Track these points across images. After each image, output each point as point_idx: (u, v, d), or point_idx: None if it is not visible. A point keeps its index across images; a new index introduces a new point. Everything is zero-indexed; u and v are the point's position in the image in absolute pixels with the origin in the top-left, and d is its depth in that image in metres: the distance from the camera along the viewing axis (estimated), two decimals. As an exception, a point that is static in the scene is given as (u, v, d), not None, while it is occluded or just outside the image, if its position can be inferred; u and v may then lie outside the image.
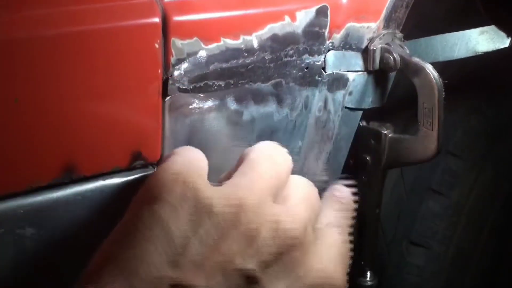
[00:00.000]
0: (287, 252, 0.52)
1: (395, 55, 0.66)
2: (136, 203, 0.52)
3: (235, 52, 0.58)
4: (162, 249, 0.48)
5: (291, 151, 0.62)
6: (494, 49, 0.77)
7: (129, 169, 0.57)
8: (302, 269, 0.53)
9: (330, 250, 0.57)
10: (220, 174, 0.59)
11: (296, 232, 0.53)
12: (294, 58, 0.62)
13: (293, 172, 0.60)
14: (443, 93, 0.64)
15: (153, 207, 0.50)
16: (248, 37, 0.58)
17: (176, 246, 0.48)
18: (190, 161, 0.54)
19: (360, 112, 0.70)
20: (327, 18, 0.63)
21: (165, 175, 0.52)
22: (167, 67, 0.55)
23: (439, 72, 0.64)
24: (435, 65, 0.65)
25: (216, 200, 0.51)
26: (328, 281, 0.54)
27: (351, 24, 0.65)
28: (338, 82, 0.66)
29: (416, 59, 0.65)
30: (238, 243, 0.50)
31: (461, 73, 0.82)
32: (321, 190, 0.70)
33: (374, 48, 0.66)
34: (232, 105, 0.60)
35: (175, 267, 0.48)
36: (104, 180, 0.56)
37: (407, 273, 0.98)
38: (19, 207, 0.53)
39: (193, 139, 0.59)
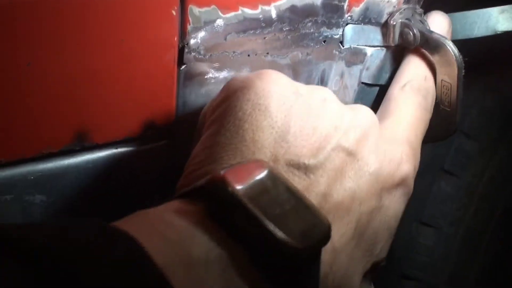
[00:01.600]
0: (367, 134, 0.54)
1: (415, 31, 0.64)
2: (221, 101, 0.52)
3: (253, 22, 0.57)
4: (268, 131, 0.49)
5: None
6: (515, 28, 0.76)
7: (141, 138, 0.56)
8: (383, 146, 0.55)
9: (399, 128, 0.59)
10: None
11: (372, 118, 0.56)
12: (312, 30, 0.61)
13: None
14: (463, 71, 0.63)
15: (248, 96, 0.51)
16: (266, 7, 0.57)
17: (279, 126, 0.50)
18: None
19: (377, 88, 0.69)
20: (347, -10, 0.62)
21: (243, 75, 0.53)
22: (183, 35, 0.54)
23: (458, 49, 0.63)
24: (454, 42, 0.64)
25: (299, 85, 0.53)
26: (402, 155, 0.56)
27: (371, -2, 0.64)
28: (356, 56, 0.65)
29: (436, 35, 0.64)
30: (330, 123, 0.52)
31: (478, 51, 0.80)
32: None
33: (394, 23, 0.65)
34: (248, 76, 0.59)
35: (285, 146, 0.49)
36: (116, 148, 0.56)
37: (417, 253, 0.97)
38: (29, 173, 0.52)
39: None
